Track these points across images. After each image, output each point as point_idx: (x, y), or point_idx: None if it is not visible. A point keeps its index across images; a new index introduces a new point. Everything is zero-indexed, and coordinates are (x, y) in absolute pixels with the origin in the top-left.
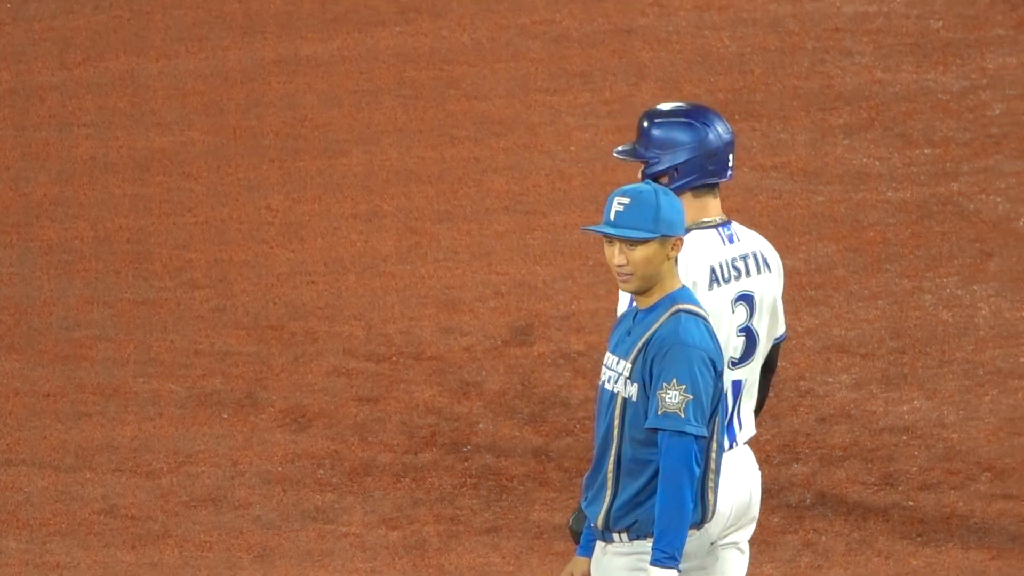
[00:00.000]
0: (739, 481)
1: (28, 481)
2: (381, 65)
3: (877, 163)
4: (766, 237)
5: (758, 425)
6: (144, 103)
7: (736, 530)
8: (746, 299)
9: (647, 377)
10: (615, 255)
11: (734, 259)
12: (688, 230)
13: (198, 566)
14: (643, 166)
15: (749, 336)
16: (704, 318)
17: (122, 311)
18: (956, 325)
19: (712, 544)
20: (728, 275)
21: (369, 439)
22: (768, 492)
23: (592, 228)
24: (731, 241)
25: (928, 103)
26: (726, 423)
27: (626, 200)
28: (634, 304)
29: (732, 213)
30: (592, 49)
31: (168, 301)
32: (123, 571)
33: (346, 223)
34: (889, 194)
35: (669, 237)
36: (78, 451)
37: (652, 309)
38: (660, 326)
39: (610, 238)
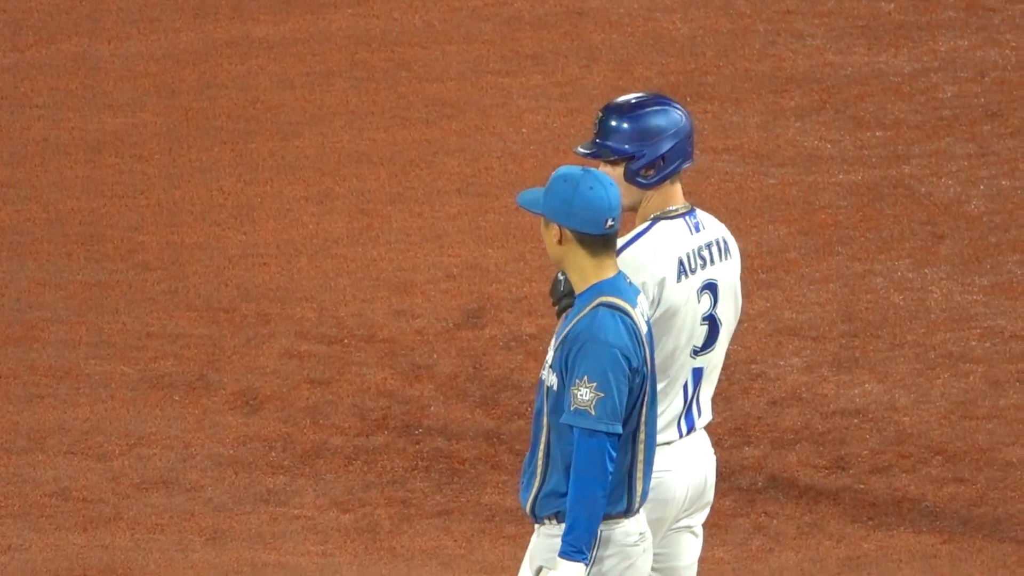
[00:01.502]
0: (695, 466)
1: None
2: (333, 47)
3: (829, 146)
4: (717, 218)
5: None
6: (96, 85)
7: (691, 514)
8: (710, 287)
9: (564, 369)
10: None
11: (700, 248)
12: (656, 219)
13: (150, 548)
14: (619, 164)
15: (712, 324)
16: (625, 312)
17: (74, 293)
18: (907, 308)
19: (667, 529)
20: (695, 265)
21: (321, 422)
22: (720, 475)
23: (519, 198)
24: (697, 230)
25: (880, 85)
26: (684, 410)
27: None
28: None
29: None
30: (544, 31)
31: (120, 283)
32: (75, 553)
33: (298, 205)
34: (840, 177)
35: (549, 222)
36: (30, 433)
37: (579, 298)
38: (580, 319)
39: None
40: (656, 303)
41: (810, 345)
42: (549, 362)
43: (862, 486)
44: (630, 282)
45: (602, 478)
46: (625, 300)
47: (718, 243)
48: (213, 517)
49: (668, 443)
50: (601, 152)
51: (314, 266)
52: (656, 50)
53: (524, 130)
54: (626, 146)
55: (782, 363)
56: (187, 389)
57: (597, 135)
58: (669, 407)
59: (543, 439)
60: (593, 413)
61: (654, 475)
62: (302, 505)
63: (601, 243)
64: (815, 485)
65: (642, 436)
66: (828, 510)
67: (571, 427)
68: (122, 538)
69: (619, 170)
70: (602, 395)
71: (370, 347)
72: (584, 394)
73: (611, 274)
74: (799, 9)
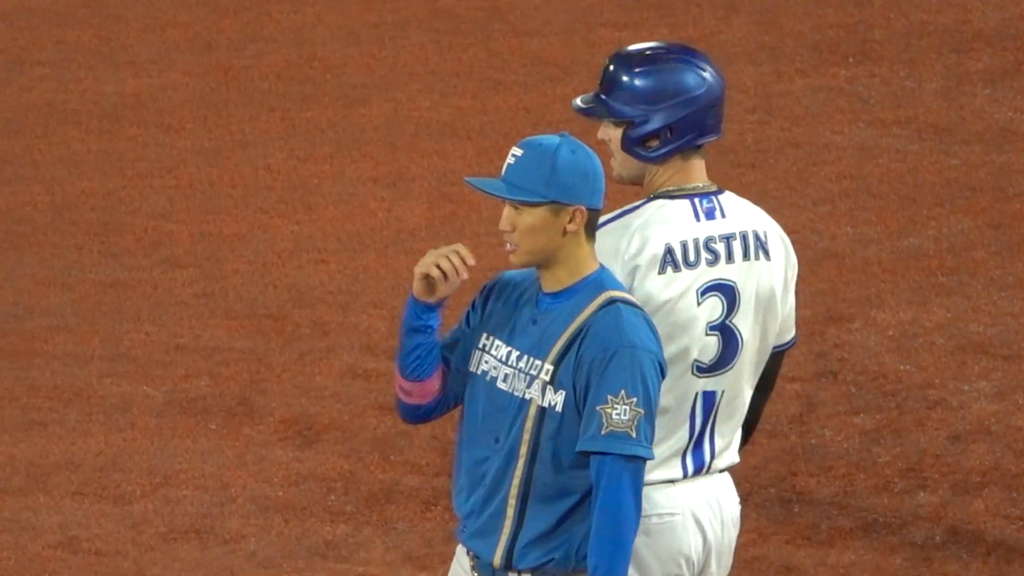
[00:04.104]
0: (714, 515)
1: None
2: None
3: None
4: (886, 207)
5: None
6: (114, 37)
7: (708, 572)
8: (722, 289)
9: (580, 384)
10: (503, 218)
11: (709, 239)
12: (655, 196)
13: None
14: (621, 127)
15: (727, 336)
16: (644, 311)
17: (85, 295)
18: None
19: None
20: (696, 258)
21: (392, 457)
22: (887, 527)
23: (472, 181)
24: (710, 216)
25: None
26: (690, 442)
27: (520, 152)
28: (530, 281)
29: (843, 180)
30: None
31: (143, 284)
32: None
33: (364, 188)
34: None
35: (565, 205)
36: (30, 469)
37: (566, 294)
38: (591, 320)
39: (499, 198)
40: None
41: (1001, 366)
42: (544, 377)
43: None
44: None
45: (639, 515)
46: (630, 295)
47: (744, 238)
48: (257, 574)
49: (670, 481)
50: (598, 111)
51: (384, 264)
52: None
53: None
54: (628, 108)
55: (966, 388)
56: (225, 416)
57: (600, 88)
58: (668, 437)
59: (517, 472)
60: (634, 435)
61: (658, 519)
62: (368, 561)
63: (597, 222)
64: (1007, 539)
65: None
66: (1023, 571)
67: (589, 455)
68: None
69: (619, 133)
70: (642, 412)
71: None
72: (622, 413)
73: (598, 264)
74: None
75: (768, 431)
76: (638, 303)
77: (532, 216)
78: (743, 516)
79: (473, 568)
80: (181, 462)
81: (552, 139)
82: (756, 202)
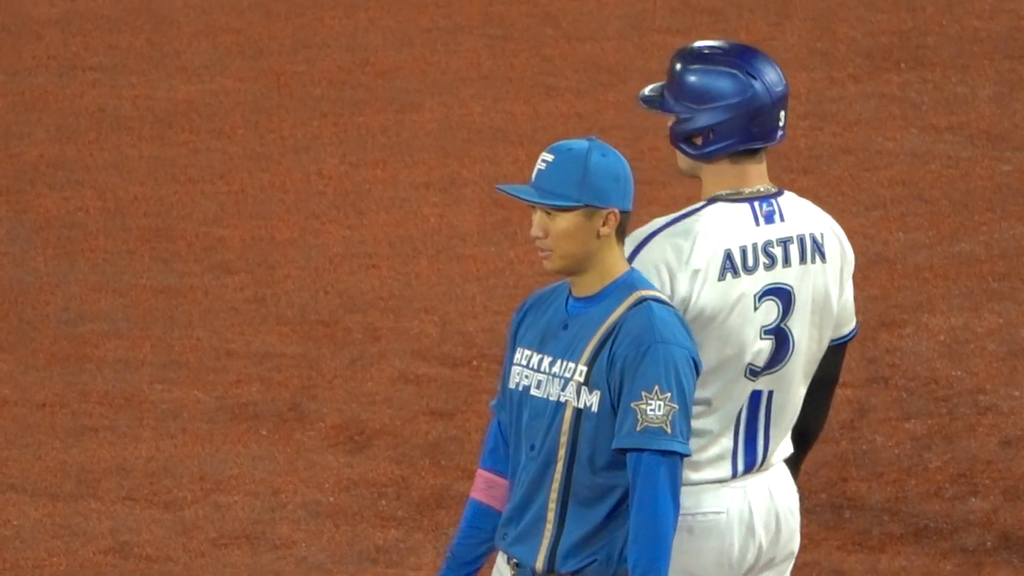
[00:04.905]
0: (762, 509)
1: (19, 512)
2: None
3: None
4: (938, 213)
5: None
6: (166, 43)
7: (769, 568)
8: (778, 293)
9: (614, 383)
10: (534, 224)
11: (768, 243)
12: (712, 200)
13: None
14: (671, 120)
15: (780, 339)
16: (675, 308)
17: (137, 301)
18: None
19: None
20: (755, 263)
21: (443, 463)
22: (939, 532)
23: (505, 188)
24: (769, 220)
25: None
26: (741, 442)
27: (550, 157)
28: (563, 289)
29: (895, 185)
30: None
31: (194, 289)
32: None
33: (417, 193)
34: None
35: (598, 209)
36: (81, 475)
37: (597, 298)
38: (624, 319)
39: (532, 204)
40: (687, 301)
41: None
42: (578, 379)
43: None
44: None
45: (677, 510)
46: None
47: (802, 241)
48: None
49: (719, 481)
50: (654, 101)
51: (436, 269)
52: (864, 3)
53: None
54: (674, 103)
55: (1017, 394)
56: (277, 421)
57: (666, 81)
58: (717, 438)
59: (556, 476)
60: (669, 431)
61: (703, 517)
62: (420, 566)
63: (627, 225)
64: None
65: None
66: None
67: (625, 452)
68: None
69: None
70: (676, 407)
71: None
72: (656, 408)
73: (628, 267)
74: None
75: (819, 437)
76: (670, 303)
77: (566, 221)
78: None
79: (514, 575)
80: (232, 468)
81: (582, 143)
82: None
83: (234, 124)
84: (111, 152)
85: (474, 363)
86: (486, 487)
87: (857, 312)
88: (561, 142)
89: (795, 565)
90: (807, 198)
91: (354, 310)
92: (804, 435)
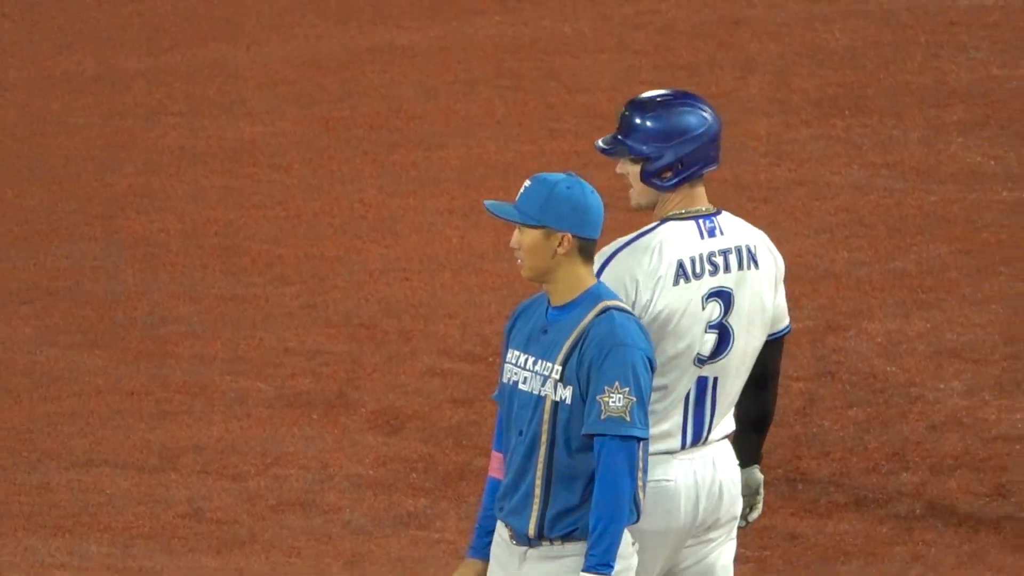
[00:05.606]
0: (705, 477)
1: (111, 482)
2: (480, 55)
3: (992, 162)
4: (876, 236)
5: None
6: (234, 91)
7: (714, 528)
8: (720, 295)
9: (583, 379)
10: (513, 236)
11: (711, 254)
12: (664, 220)
13: (286, 573)
14: (638, 163)
15: (722, 332)
16: (635, 315)
17: (210, 307)
18: None
19: (683, 544)
20: (701, 270)
21: (464, 442)
22: (876, 502)
23: (487, 203)
24: (712, 234)
25: None
26: (689, 419)
27: (528, 183)
28: (543, 298)
29: (840, 213)
30: (699, 40)
31: (257, 297)
32: None
33: (442, 218)
34: (1005, 194)
35: (555, 231)
36: (163, 452)
37: (570, 307)
38: (591, 325)
39: (494, 216)
40: (649, 304)
41: (971, 368)
42: (555, 376)
43: None
44: None
45: (631, 486)
46: (624, 303)
47: (739, 251)
48: (352, 541)
49: (669, 452)
50: (618, 150)
51: (458, 281)
52: (815, 61)
53: None
54: (644, 147)
55: (942, 386)
56: (325, 407)
57: (619, 131)
58: (669, 415)
59: (540, 459)
60: (628, 419)
61: (654, 484)
62: (444, 529)
63: (593, 248)
64: (975, 513)
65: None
66: (989, 539)
67: (592, 437)
68: (257, 562)
69: (637, 168)
70: (635, 400)
71: None
72: (617, 400)
73: (595, 280)
74: (963, 21)
75: (776, 422)
76: (630, 310)
77: (529, 237)
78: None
79: (511, 537)
80: (288, 446)
81: (558, 176)
82: (767, 231)
83: (291, 160)
84: (188, 183)
85: (490, 360)
86: (499, 466)
87: (809, 318)
88: (543, 173)
89: (756, 529)
90: (766, 224)
91: (390, 315)
92: (761, 420)
